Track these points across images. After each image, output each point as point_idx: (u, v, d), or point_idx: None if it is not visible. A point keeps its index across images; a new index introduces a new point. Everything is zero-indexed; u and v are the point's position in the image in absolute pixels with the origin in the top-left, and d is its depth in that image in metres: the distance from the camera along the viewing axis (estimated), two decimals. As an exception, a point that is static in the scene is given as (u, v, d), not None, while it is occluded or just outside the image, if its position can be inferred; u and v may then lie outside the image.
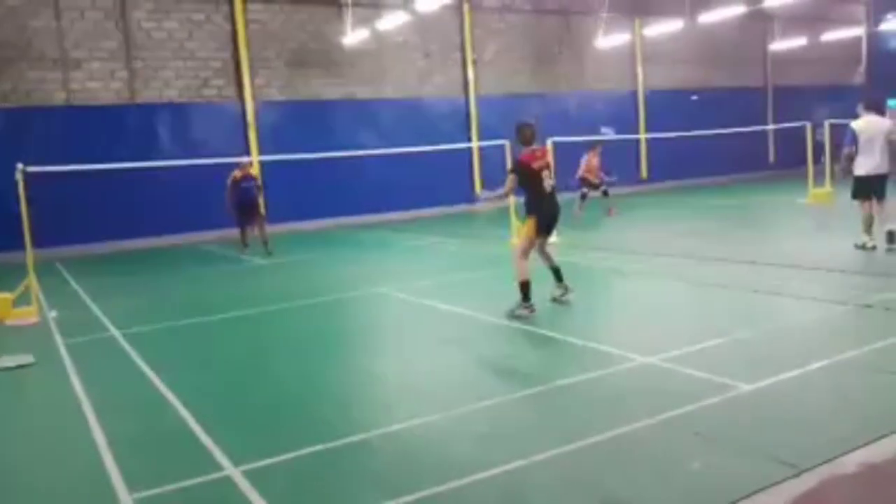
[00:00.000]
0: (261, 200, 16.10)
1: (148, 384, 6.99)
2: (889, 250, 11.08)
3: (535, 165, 8.77)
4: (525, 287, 8.56)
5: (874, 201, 11.39)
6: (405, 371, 7.05)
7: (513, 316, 8.52)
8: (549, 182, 8.88)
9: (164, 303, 11.77)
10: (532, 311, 8.54)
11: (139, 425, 5.99)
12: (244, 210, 16.24)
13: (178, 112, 20.97)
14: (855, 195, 11.58)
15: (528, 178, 8.80)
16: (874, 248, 11.18)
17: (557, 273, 9.22)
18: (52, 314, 10.65)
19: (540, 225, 8.90)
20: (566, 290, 9.20)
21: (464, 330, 8.50)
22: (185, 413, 6.03)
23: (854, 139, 11.39)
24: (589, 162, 19.00)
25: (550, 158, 9.30)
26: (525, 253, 8.80)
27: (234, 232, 17.01)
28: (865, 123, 11.45)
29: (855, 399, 5.38)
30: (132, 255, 18.49)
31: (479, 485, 4.40)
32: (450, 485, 4.41)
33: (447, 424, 5.46)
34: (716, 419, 5.17)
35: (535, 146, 8.99)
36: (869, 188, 11.37)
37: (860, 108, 11.70)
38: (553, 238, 10.19)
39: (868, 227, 11.32)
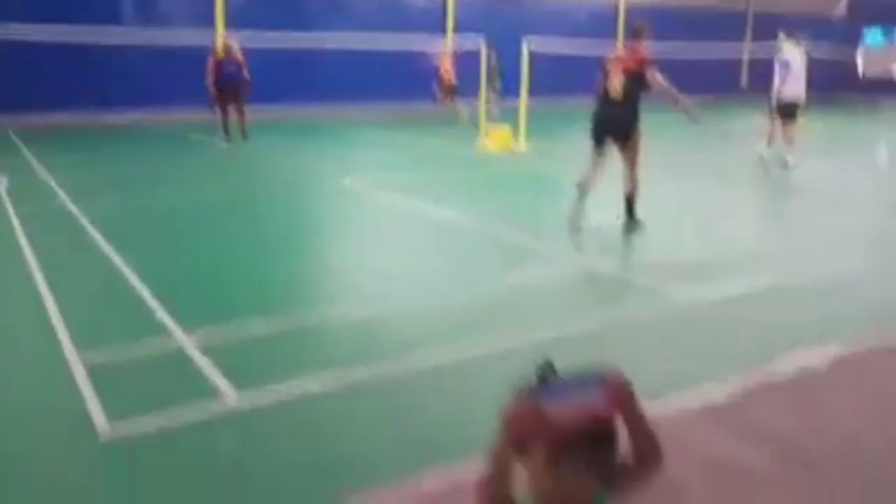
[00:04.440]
0: (243, 84, 15.47)
1: (102, 255, 6.91)
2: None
3: (609, 65, 7.79)
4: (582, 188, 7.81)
5: (783, 123, 12.16)
6: (367, 261, 7.08)
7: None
8: (614, 86, 7.66)
9: (124, 179, 11.49)
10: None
11: (92, 293, 5.95)
12: (224, 91, 15.64)
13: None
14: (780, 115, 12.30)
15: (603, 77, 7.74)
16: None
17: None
18: (2, 182, 10.35)
19: (592, 131, 7.96)
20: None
21: (424, 227, 8.52)
22: (138, 283, 5.99)
23: (787, 67, 12.09)
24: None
25: (636, 62, 7.72)
26: (590, 165, 7.95)
27: (205, 112, 16.46)
28: (791, 52, 12.22)
29: (800, 310, 5.55)
30: (94, 130, 17.91)
31: (436, 371, 4.49)
32: (400, 364, 4.50)
33: (401, 313, 5.52)
34: (658, 323, 5.32)
35: (635, 45, 7.88)
36: (787, 112, 12.18)
37: (782, 38, 12.51)
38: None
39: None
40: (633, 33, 8.01)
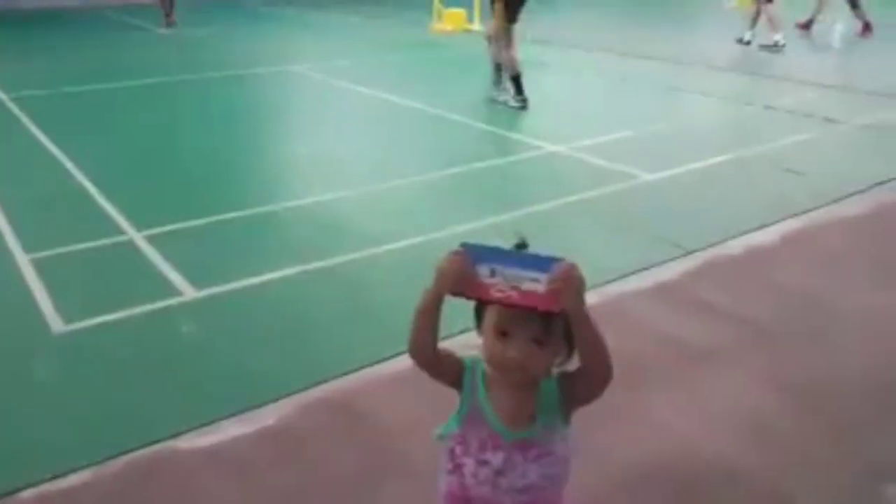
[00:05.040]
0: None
1: (42, 150, 6.63)
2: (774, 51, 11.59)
3: None
4: (516, 80, 7.91)
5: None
6: (319, 149, 6.91)
7: (496, 101, 8.16)
8: None
9: (59, 67, 10.93)
10: (523, 105, 7.93)
11: (34, 190, 5.74)
12: None
13: None
14: None
15: None
16: (784, 45, 11.56)
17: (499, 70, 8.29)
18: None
19: (508, 9, 7.90)
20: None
21: (379, 112, 8.32)
22: (83, 179, 5.80)
23: None
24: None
25: None
26: (504, 43, 7.93)
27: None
28: None
29: (750, 191, 5.63)
30: (23, 14, 16.85)
31: (390, 254, 4.48)
32: (364, 252, 4.48)
33: (361, 200, 5.45)
34: (616, 204, 5.34)
35: None
36: None
37: None
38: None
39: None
40: None
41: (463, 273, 1.43)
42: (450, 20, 14.16)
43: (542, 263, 1.41)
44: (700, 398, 3.13)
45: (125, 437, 2.88)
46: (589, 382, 1.51)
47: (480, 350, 1.54)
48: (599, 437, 2.78)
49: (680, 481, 2.65)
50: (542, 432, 1.54)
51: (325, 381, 3.24)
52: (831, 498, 2.57)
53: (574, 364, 1.53)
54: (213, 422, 2.97)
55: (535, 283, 1.40)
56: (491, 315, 1.50)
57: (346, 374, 3.29)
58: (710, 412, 3.04)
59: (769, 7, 11.67)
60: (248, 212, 5.16)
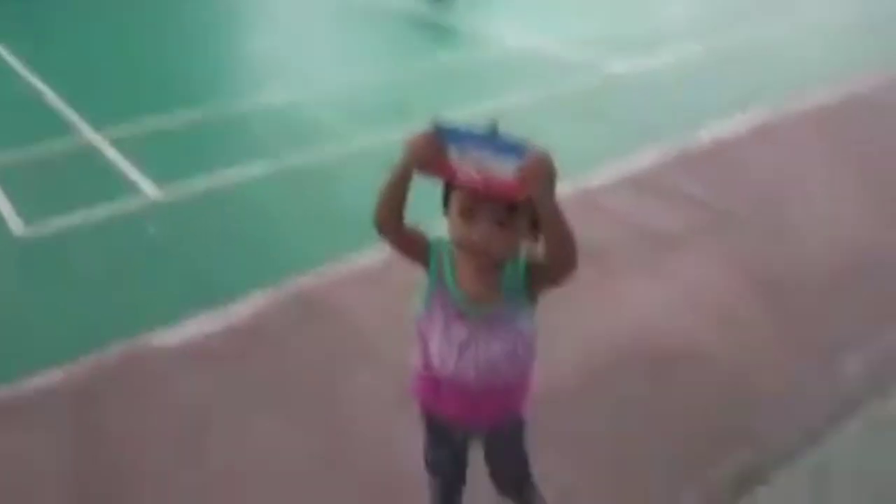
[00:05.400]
0: None
1: (-7, 53, 6.37)
2: None
3: None
4: None
5: None
6: (272, 46, 6.70)
7: None
8: None
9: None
10: None
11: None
12: None
13: None
14: None
15: None
16: None
17: None
18: None
19: None
20: None
21: (329, 8, 8.04)
22: (37, 82, 5.59)
23: None
24: None
25: None
26: None
27: None
28: None
29: (722, 81, 5.57)
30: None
31: (356, 151, 4.42)
32: (330, 150, 4.41)
33: (323, 97, 5.33)
34: (588, 97, 5.28)
35: None
36: None
37: None
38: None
39: None
40: None
41: (432, 151, 1.40)
42: None
43: (514, 150, 1.35)
44: (668, 284, 3.18)
45: (95, 336, 2.88)
46: (553, 271, 1.48)
47: (448, 229, 1.51)
48: (570, 321, 2.84)
49: (646, 361, 2.72)
50: (506, 309, 1.54)
51: (295, 277, 3.23)
52: (789, 374, 2.65)
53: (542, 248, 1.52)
54: (183, 319, 2.97)
55: (505, 170, 1.35)
56: (457, 196, 1.46)
57: (314, 269, 3.28)
58: (677, 297, 3.09)
59: None
60: (211, 111, 5.04)
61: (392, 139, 4.65)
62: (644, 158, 4.29)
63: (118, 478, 2.27)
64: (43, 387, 2.65)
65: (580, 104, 5.14)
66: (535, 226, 1.48)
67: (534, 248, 1.54)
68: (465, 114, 4.76)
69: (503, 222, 1.44)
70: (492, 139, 1.40)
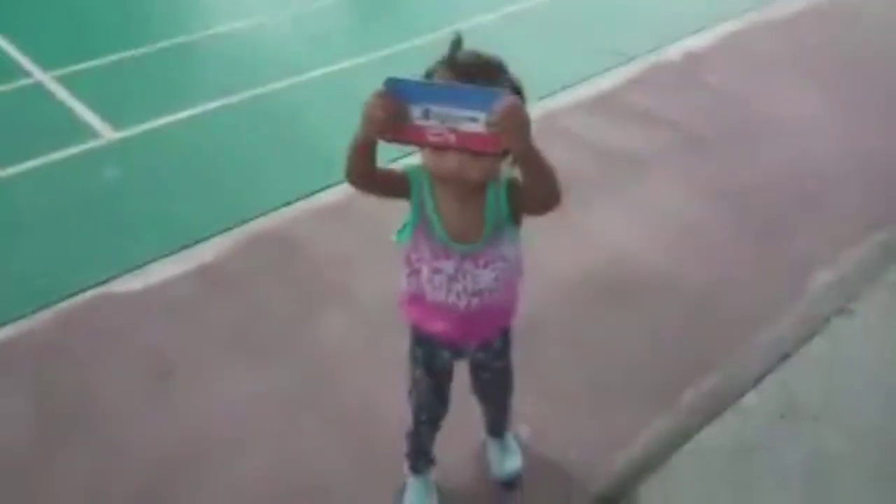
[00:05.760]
0: None
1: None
2: None
3: None
4: None
5: None
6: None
7: None
8: None
9: None
10: None
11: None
12: None
13: None
14: None
15: None
16: None
17: None
18: None
19: None
20: None
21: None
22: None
23: None
24: None
25: None
26: None
27: None
28: None
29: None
30: None
31: (315, 82, 4.28)
32: (286, 81, 4.27)
33: (275, 25, 5.13)
34: (552, 13, 5.13)
35: None
36: None
37: None
38: None
39: None
40: None
41: (392, 117, 1.27)
42: None
43: (480, 99, 1.25)
44: (636, 207, 3.15)
45: (55, 286, 2.80)
46: (535, 207, 1.45)
47: (421, 159, 1.44)
48: (539, 247, 2.80)
49: (616, 285, 2.71)
50: (490, 242, 1.51)
51: (258, 216, 3.16)
52: (758, 292, 2.66)
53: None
54: (145, 264, 2.90)
55: (474, 123, 1.26)
56: None
57: (278, 208, 3.21)
58: (645, 220, 3.07)
59: None
60: (160, 44, 4.83)
61: (350, 66, 4.53)
62: (612, 77, 4.21)
63: (82, 427, 2.24)
64: (6, 340, 2.59)
65: (544, 21, 5.00)
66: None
67: (514, 169, 1.47)
68: (420, 42, 4.61)
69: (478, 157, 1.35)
70: (455, 89, 1.30)
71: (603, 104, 3.96)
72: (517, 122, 1.25)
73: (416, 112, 1.28)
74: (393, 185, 1.50)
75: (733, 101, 3.96)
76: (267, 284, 2.80)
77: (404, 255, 1.59)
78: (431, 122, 1.29)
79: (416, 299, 1.64)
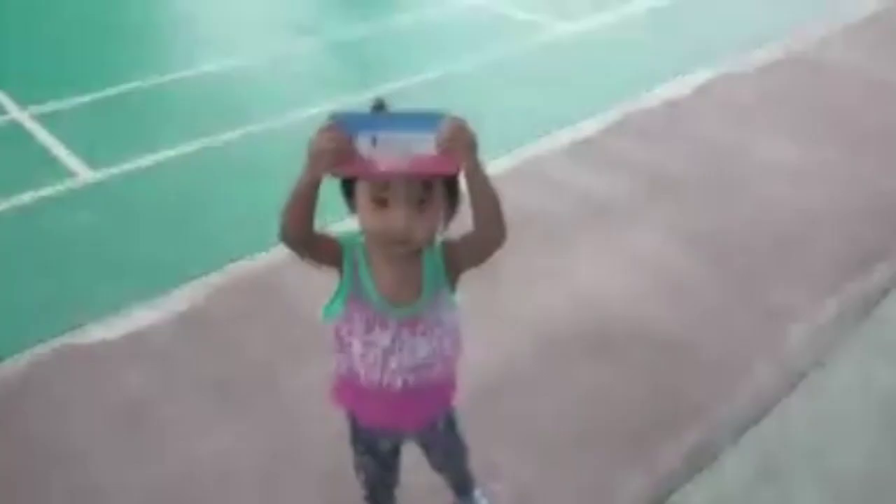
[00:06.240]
0: None
1: None
2: None
3: None
4: None
5: None
6: (208, 15, 6.42)
7: None
8: None
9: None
10: None
11: None
12: None
13: None
14: None
15: None
16: None
17: None
18: None
19: None
20: None
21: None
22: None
23: None
24: None
25: None
26: None
27: None
28: None
29: (664, 40, 5.54)
30: None
31: (296, 124, 4.28)
32: (263, 125, 4.27)
33: (253, 68, 5.14)
34: (530, 60, 5.21)
35: None
36: None
37: None
38: None
39: None
40: None
41: (340, 150, 1.25)
42: None
43: (426, 121, 1.24)
44: (612, 254, 3.17)
45: (27, 331, 2.75)
46: (481, 245, 1.39)
47: (359, 224, 1.39)
48: (516, 296, 2.81)
49: (591, 337, 2.71)
50: (428, 305, 1.46)
51: (233, 261, 3.14)
52: (735, 343, 2.68)
53: (456, 229, 1.43)
54: (119, 310, 2.86)
55: (425, 145, 1.24)
56: (364, 185, 1.33)
57: (257, 252, 3.19)
58: (622, 267, 3.09)
59: None
60: (140, 83, 4.82)
61: (332, 109, 4.49)
62: (590, 124, 4.25)
63: (54, 482, 2.19)
64: (-26, 388, 2.53)
65: (521, 68, 5.07)
66: (451, 196, 1.40)
67: (446, 231, 1.46)
68: (402, 85, 4.63)
69: (424, 199, 1.33)
70: (400, 115, 1.29)
71: (581, 150, 3.99)
72: (465, 140, 1.25)
73: (363, 142, 1.27)
74: (327, 248, 1.46)
75: (711, 148, 4.02)
76: (245, 330, 2.77)
77: (334, 331, 1.53)
78: (380, 150, 1.27)
79: (348, 384, 1.58)
